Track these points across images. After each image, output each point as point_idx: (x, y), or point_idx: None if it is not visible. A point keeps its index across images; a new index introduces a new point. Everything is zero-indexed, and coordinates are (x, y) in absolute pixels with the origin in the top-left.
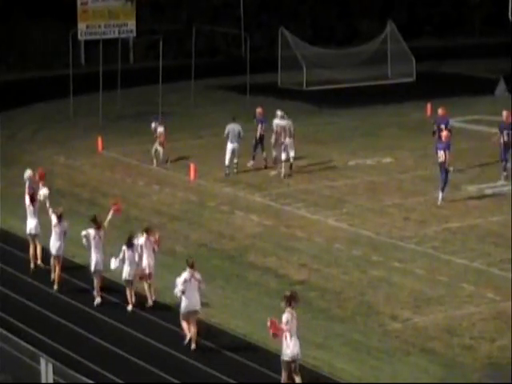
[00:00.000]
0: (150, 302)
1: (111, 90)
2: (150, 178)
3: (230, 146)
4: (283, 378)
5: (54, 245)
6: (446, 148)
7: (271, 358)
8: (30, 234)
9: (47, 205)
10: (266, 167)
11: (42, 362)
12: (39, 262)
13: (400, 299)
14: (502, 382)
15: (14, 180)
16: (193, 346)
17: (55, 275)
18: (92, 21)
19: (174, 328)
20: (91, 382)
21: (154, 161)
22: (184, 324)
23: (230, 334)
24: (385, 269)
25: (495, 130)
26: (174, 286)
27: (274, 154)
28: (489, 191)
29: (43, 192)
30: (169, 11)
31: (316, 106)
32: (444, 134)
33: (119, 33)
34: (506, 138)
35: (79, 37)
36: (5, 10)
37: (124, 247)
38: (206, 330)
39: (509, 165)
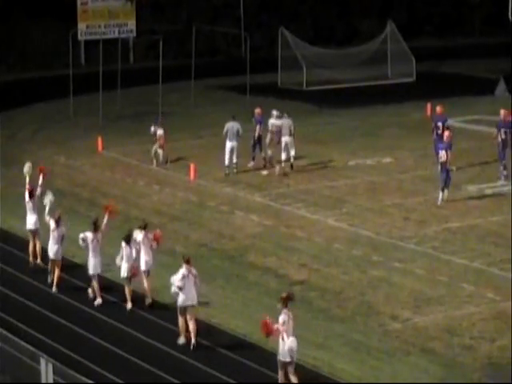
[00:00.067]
0: (147, 300)
1: (111, 90)
2: (150, 178)
3: (228, 145)
4: (280, 377)
5: (52, 249)
6: (448, 148)
7: (271, 358)
8: (30, 230)
9: (46, 210)
10: (264, 167)
11: (42, 362)
12: (39, 260)
13: (400, 299)
14: (502, 382)
15: (14, 180)
16: (193, 341)
17: (54, 277)
18: (92, 21)
19: (173, 327)
20: (91, 382)
21: (154, 161)
22: (180, 321)
23: (229, 334)
24: (385, 269)
25: (494, 129)
26: (171, 281)
27: (269, 153)
28: (489, 191)
29: (49, 198)
30: (169, 11)
31: (316, 106)
32: (446, 133)
33: (119, 33)
34: (503, 137)
35: (79, 37)
36: (5, 9)
37: (123, 244)
38: (206, 330)
39: (505, 162)
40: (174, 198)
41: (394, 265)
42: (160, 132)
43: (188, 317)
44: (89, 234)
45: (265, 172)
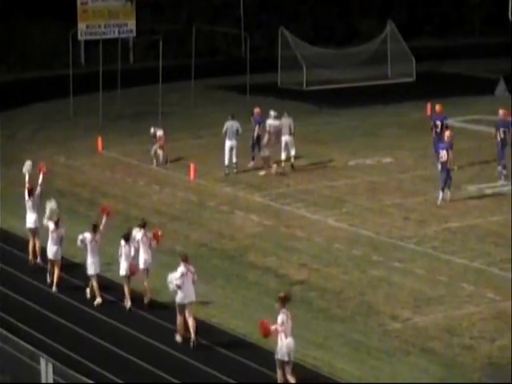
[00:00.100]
0: (146, 299)
1: (111, 90)
2: (150, 178)
3: (228, 144)
4: (279, 377)
5: (51, 250)
6: (449, 148)
7: (270, 358)
8: (30, 229)
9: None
10: (262, 167)
11: (42, 361)
12: (38, 260)
13: (400, 299)
14: (501, 382)
15: (14, 180)
16: (193, 337)
17: (54, 277)
18: (92, 21)
19: (173, 327)
20: (91, 382)
21: (154, 161)
22: (179, 319)
23: (229, 334)
24: (385, 269)
25: (493, 129)
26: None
27: (266, 153)
28: (489, 191)
29: (50, 206)
30: (169, 11)
31: (316, 106)
32: (447, 133)
33: (119, 33)
34: (502, 136)
35: (79, 37)
36: (5, 9)
37: (122, 242)
38: (206, 330)
39: (505, 162)
40: (174, 197)
41: (393, 265)
42: (160, 133)
43: (187, 314)
44: (87, 235)
45: (262, 173)
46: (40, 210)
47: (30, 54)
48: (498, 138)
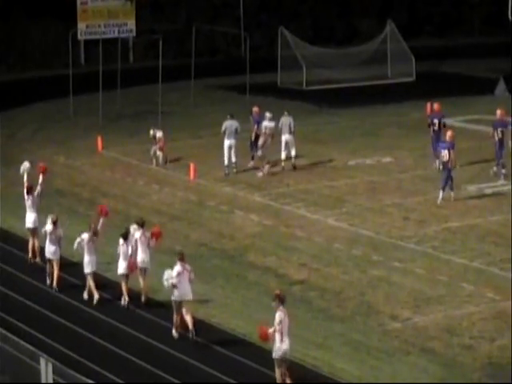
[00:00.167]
0: (143, 298)
1: (111, 90)
2: (150, 178)
3: (226, 143)
4: (277, 376)
5: (49, 249)
6: (450, 147)
7: (270, 358)
8: (29, 228)
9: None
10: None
11: (42, 361)
12: (37, 259)
13: (400, 299)
14: (501, 382)
15: (14, 180)
16: (193, 332)
17: (53, 278)
18: (92, 20)
19: (171, 326)
20: (91, 381)
21: (154, 161)
22: (175, 317)
23: (229, 334)
24: (384, 268)
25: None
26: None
27: (259, 153)
28: (489, 191)
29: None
30: (168, 11)
31: (316, 106)
32: (448, 133)
33: (119, 32)
34: (500, 136)
35: (79, 36)
36: (4, 9)
37: (120, 241)
38: (205, 330)
39: (503, 161)
40: (174, 197)
41: (393, 264)
42: (159, 134)
43: (184, 312)
44: (85, 236)
45: (259, 174)
46: (40, 209)
47: (30, 53)
48: (496, 138)
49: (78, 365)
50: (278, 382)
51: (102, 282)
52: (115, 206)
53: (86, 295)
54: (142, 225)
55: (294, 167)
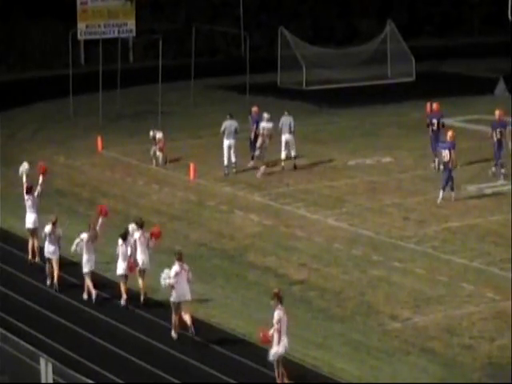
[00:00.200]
0: (141, 298)
1: (111, 90)
2: (150, 178)
3: (226, 143)
4: (277, 376)
5: (49, 249)
6: (451, 147)
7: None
8: (29, 229)
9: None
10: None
11: (42, 361)
12: (37, 259)
13: (400, 299)
14: (501, 382)
15: (14, 180)
16: (192, 330)
17: (53, 278)
18: (91, 20)
19: (171, 326)
20: (91, 381)
21: (154, 161)
22: (174, 317)
23: (229, 334)
24: (384, 268)
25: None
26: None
27: (257, 153)
28: (488, 191)
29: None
30: (168, 11)
31: (316, 106)
32: (449, 133)
33: (119, 32)
34: (498, 137)
35: (79, 36)
36: (4, 9)
37: (119, 242)
38: (205, 330)
39: (502, 161)
40: (174, 197)
41: (393, 264)
42: (159, 135)
43: (182, 312)
44: (84, 236)
45: (258, 174)
46: (40, 209)
47: (30, 53)
48: (495, 139)
49: (78, 365)
50: (278, 382)
51: (102, 282)
52: (115, 205)
53: (85, 295)
54: (141, 225)
55: (295, 167)
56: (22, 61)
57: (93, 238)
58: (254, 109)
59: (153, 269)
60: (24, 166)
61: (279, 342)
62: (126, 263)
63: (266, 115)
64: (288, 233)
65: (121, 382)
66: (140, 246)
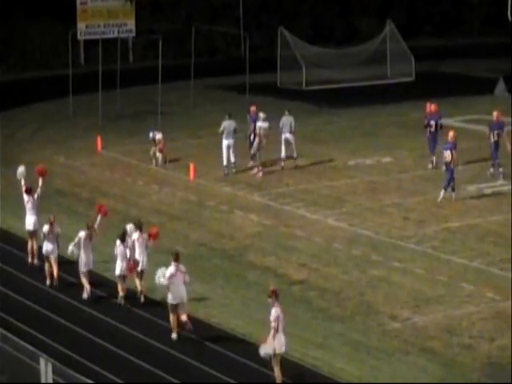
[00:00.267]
0: (142, 298)
1: (111, 90)
2: (150, 178)
3: (225, 143)
4: (277, 376)
5: (47, 247)
6: (453, 148)
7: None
8: (29, 231)
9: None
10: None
11: (42, 361)
12: (36, 261)
13: (399, 299)
14: (501, 382)
15: (14, 180)
16: (189, 326)
17: (53, 276)
18: (91, 20)
19: (170, 325)
20: (91, 381)
21: (154, 161)
22: (172, 318)
23: (229, 334)
24: (384, 268)
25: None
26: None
27: (253, 152)
28: (488, 191)
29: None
30: (168, 11)
31: (315, 106)
32: (450, 134)
33: (118, 32)
34: (496, 138)
35: (78, 36)
36: (4, 9)
37: (117, 242)
38: (205, 330)
39: (498, 161)
40: (174, 197)
41: (393, 264)
42: (159, 136)
43: (179, 313)
44: (82, 234)
45: (259, 174)
46: (39, 210)
47: (30, 53)
48: (492, 140)
49: (78, 365)
50: (277, 381)
51: (101, 282)
52: (115, 205)
53: (85, 295)
54: (139, 227)
55: (296, 167)
56: (22, 61)
57: (90, 236)
58: (253, 108)
59: (151, 269)
60: (21, 170)
61: (274, 340)
62: (124, 264)
63: (261, 114)
64: (288, 233)
65: (120, 381)
66: (139, 248)
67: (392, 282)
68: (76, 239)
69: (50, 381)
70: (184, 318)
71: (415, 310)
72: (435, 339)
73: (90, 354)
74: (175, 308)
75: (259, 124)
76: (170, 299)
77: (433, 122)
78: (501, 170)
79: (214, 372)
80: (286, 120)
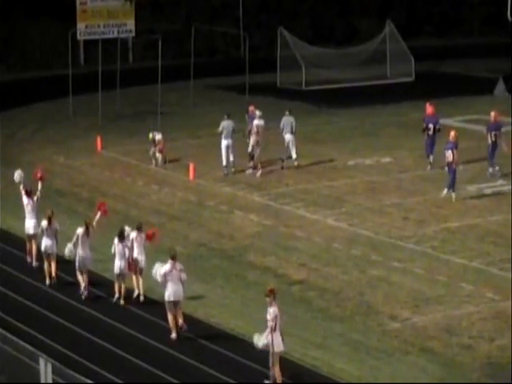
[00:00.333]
0: (141, 298)
1: (110, 90)
2: (150, 178)
3: (224, 143)
4: (276, 373)
5: (46, 243)
6: (454, 147)
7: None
8: (29, 234)
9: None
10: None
11: (41, 361)
12: (34, 263)
13: (399, 299)
14: (501, 382)
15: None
16: (183, 326)
17: (51, 272)
18: (91, 21)
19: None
20: (90, 381)
21: (153, 161)
22: (170, 317)
23: (229, 334)
24: (384, 268)
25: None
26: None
27: (250, 150)
28: (488, 191)
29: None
30: (168, 11)
31: (315, 106)
32: (452, 133)
33: (118, 32)
34: (493, 138)
35: (78, 37)
36: (4, 9)
37: (115, 240)
38: (205, 330)
39: (495, 161)
40: (173, 197)
41: (393, 264)
42: (159, 137)
43: (177, 311)
44: (80, 231)
45: (258, 174)
46: (39, 211)
47: (30, 53)
48: (489, 141)
49: (77, 365)
50: (277, 381)
51: (100, 282)
52: (114, 205)
53: (86, 293)
54: (138, 226)
55: (296, 167)
56: (22, 61)
57: (88, 233)
58: (251, 108)
59: (150, 268)
60: (19, 174)
61: (272, 339)
62: (122, 262)
63: (258, 113)
64: (287, 233)
65: (120, 381)
66: (137, 247)
67: (392, 282)
68: (74, 237)
69: (50, 381)
70: (180, 321)
71: (415, 310)
72: (435, 339)
73: (90, 354)
74: (172, 306)
75: (256, 122)
76: (166, 296)
77: (431, 125)
78: (497, 168)
79: (213, 372)
80: (287, 120)
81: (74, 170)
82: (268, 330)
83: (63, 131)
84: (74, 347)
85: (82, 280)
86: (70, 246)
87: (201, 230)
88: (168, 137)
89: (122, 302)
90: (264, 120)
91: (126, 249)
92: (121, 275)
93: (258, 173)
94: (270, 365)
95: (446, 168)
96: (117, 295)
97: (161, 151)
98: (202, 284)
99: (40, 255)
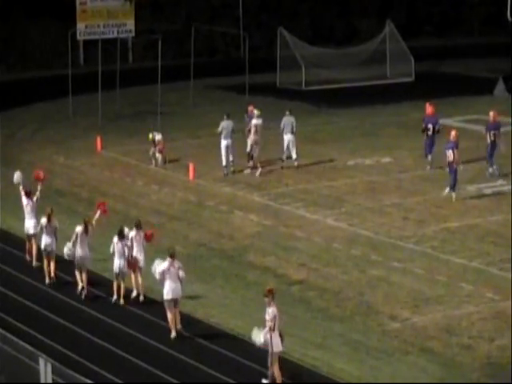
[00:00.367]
0: (141, 298)
1: (110, 90)
2: (149, 178)
3: (224, 143)
4: (276, 372)
5: (46, 241)
6: (454, 147)
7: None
8: (28, 235)
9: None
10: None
11: (41, 361)
12: (35, 262)
13: (399, 299)
14: (501, 382)
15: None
16: (179, 327)
17: (50, 271)
18: (91, 21)
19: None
20: (90, 381)
21: (153, 161)
22: (169, 315)
23: (228, 334)
24: (384, 268)
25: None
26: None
27: (248, 150)
28: (488, 191)
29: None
30: (168, 11)
31: (315, 106)
32: (452, 133)
33: (118, 33)
34: (492, 138)
35: (78, 37)
36: (4, 9)
37: (114, 239)
38: (205, 329)
39: (493, 161)
40: (173, 197)
41: (392, 264)
42: (159, 137)
43: (175, 310)
44: (78, 229)
45: (257, 173)
46: (39, 211)
47: (30, 54)
48: (488, 141)
49: (77, 365)
50: (277, 381)
51: (100, 281)
52: (114, 205)
53: (85, 292)
54: (138, 225)
55: (297, 167)
56: (22, 61)
57: (87, 231)
58: (250, 108)
59: (149, 268)
60: (18, 175)
61: (270, 339)
62: (121, 261)
63: (256, 112)
64: (287, 233)
65: (120, 381)
66: (136, 246)
67: (391, 282)
68: (73, 235)
69: (50, 381)
70: (178, 327)
71: (415, 310)
72: (435, 339)
73: (90, 354)
74: (172, 304)
75: (254, 121)
76: (165, 294)
77: (430, 126)
78: (496, 167)
79: (213, 372)
80: (288, 120)
81: (73, 170)
82: (266, 329)
83: (63, 131)
84: (73, 347)
85: (79, 279)
86: (69, 244)
87: (201, 230)
88: (168, 137)
89: (121, 301)
90: (262, 119)
91: (126, 248)
92: (120, 274)
93: (258, 172)
94: (269, 364)
95: (447, 168)
96: (115, 296)
97: (161, 151)
98: (202, 284)
99: (40, 255)
